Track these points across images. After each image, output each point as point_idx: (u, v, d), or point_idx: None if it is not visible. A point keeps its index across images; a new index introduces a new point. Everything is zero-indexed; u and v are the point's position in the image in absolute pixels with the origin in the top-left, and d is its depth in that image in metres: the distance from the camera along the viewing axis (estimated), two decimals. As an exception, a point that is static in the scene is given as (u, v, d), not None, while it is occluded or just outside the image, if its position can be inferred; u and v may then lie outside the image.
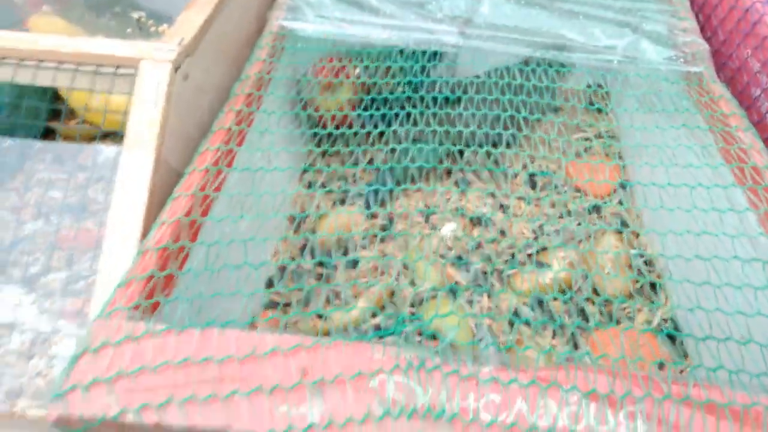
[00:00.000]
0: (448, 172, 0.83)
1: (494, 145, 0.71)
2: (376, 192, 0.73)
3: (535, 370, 0.38)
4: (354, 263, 0.70)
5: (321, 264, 0.70)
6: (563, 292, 0.66)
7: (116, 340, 0.39)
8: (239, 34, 0.72)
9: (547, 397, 0.37)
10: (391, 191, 0.75)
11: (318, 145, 0.67)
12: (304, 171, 0.78)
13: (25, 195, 0.79)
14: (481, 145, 0.76)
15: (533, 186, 0.82)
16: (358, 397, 0.37)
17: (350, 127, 0.68)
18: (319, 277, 0.70)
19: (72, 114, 0.89)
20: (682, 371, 0.55)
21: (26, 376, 0.49)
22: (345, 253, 0.71)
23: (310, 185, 0.78)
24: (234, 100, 0.60)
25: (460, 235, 0.75)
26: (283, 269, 0.69)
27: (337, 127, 0.68)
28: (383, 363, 0.38)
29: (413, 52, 0.74)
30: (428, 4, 0.76)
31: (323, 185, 0.78)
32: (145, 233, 0.50)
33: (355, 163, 0.78)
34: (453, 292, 0.68)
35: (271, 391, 0.36)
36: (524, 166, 0.82)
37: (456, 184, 0.82)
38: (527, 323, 0.64)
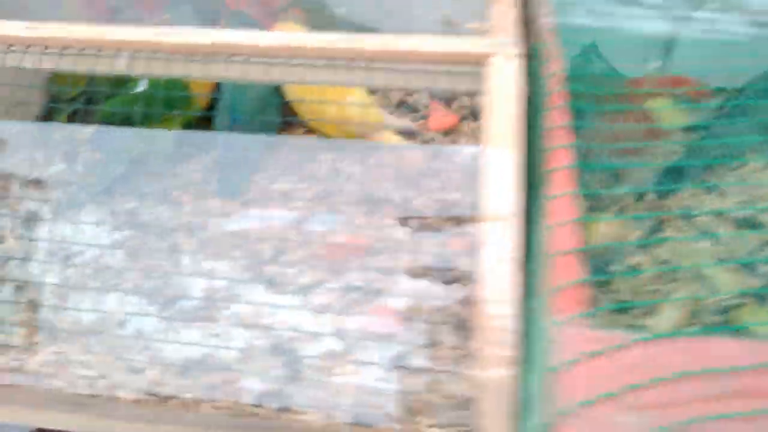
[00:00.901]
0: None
1: None
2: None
3: None
4: (631, 270, 0.67)
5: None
6: None
7: (596, 350, 0.36)
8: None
9: None
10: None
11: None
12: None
13: (269, 197, 0.76)
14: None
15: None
16: None
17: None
18: (596, 285, 0.67)
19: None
20: None
21: (404, 392, 0.46)
22: (617, 261, 0.68)
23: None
24: (553, 97, 0.57)
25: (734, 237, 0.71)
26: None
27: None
28: None
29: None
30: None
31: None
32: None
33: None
34: (760, 298, 0.64)
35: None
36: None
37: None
38: None
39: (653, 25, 0.68)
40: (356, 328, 0.62)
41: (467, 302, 0.62)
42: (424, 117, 0.90)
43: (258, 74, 0.54)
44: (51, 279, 0.68)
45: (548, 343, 0.37)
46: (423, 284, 0.65)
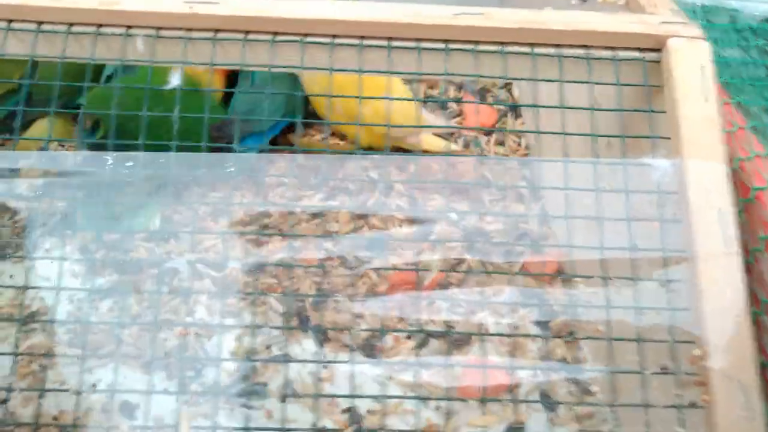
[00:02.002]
0: None
1: None
2: None
3: None
4: None
5: None
6: None
7: None
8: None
9: None
10: None
11: None
12: None
13: (294, 219, 0.59)
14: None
15: None
16: None
17: None
18: None
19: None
20: None
21: None
22: None
23: None
24: (723, 90, 0.45)
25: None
26: None
27: None
28: None
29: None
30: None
31: None
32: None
33: None
34: None
35: None
36: None
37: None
38: None
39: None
40: (449, 389, 0.48)
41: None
42: (457, 113, 0.77)
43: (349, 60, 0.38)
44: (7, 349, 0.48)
45: None
46: (518, 329, 0.53)
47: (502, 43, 0.40)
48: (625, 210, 0.36)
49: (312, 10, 0.39)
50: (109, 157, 0.37)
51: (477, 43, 0.39)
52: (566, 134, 0.38)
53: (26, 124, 0.65)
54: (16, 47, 0.37)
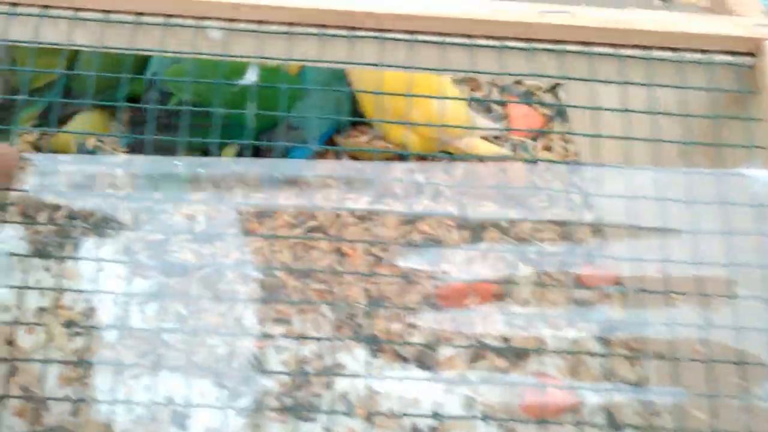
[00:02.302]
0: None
1: None
2: None
3: None
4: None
5: None
6: None
7: None
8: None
9: None
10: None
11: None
12: None
13: (340, 222, 0.57)
14: None
15: None
16: None
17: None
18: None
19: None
20: None
21: None
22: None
23: None
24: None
25: None
26: None
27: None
28: None
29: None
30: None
31: None
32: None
33: None
34: None
35: None
36: None
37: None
38: None
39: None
40: (512, 406, 0.46)
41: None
42: (502, 116, 0.75)
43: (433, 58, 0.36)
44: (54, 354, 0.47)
45: None
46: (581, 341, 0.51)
47: (587, 43, 0.38)
48: (721, 222, 0.34)
49: (388, 4, 0.37)
50: (179, 161, 0.35)
51: (562, 42, 0.38)
52: (657, 141, 0.36)
53: (64, 119, 0.63)
54: (83, 37, 0.35)
